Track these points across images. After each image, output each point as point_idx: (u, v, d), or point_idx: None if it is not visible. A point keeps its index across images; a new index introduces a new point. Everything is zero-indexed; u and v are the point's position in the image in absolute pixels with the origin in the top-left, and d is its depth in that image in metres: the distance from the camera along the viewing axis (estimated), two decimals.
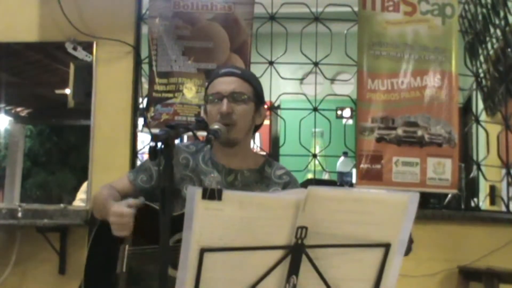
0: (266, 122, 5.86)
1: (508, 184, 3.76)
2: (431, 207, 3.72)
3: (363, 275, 1.32)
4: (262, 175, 1.94)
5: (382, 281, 1.32)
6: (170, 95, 3.56)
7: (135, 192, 1.95)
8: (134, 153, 3.67)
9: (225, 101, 1.85)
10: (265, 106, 2.02)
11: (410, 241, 1.40)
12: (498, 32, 4.05)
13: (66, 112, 3.79)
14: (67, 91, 3.76)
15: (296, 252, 1.25)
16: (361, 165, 3.49)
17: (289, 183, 1.95)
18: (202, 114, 1.98)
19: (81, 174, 3.66)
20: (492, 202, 4.29)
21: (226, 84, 1.88)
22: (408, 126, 3.50)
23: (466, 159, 4.00)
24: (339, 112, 4.51)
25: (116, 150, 3.63)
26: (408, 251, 1.36)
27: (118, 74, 3.69)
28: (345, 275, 1.31)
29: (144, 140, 3.96)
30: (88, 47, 3.69)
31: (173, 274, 1.24)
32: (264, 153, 4.23)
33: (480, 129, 3.83)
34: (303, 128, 3.78)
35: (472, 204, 4.00)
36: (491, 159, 3.81)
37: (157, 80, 3.57)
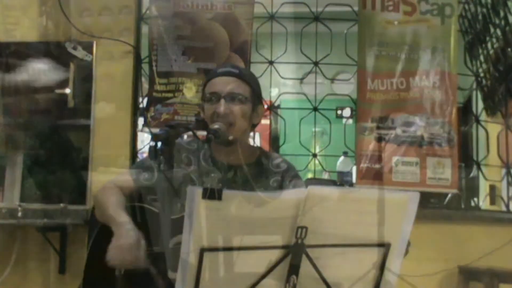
0: (266, 121, 5.88)
1: (508, 184, 3.75)
2: (431, 207, 3.71)
3: (363, 275, 1.32)
4: (261, 167, 1.96)
5: (382, 281, 1.32)
6: (170, 95, 3.56)
7: (137, 190, 1.95)
8: (134, 153, 3.67)
9: (222, 101, 1.85)
10: (263, 105, 2.02)
11: (407, 243, 1.40)
12: (498, 32, 4.04)
13: (66, 112, 3.78)
14: (67, 91, 3.75)
15: (296, 252, 1.25)
16: (361, 165, 3.49)
17: (287, 170, 1.97)
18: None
19: (81, 174, 3.65)
20: (492, 202, 4.28)
21: (223, 84, 1.88)
22: (407, 126, 3.50)
23: (466, 158, 3.99)
24: (339, 112, 4.51)
25: (116, 150, 3.63)
26: (405, 253, 1.36)
27: (118, 74, 3.69)
28: (345, 275, 1.31)
29: (144, 140, 3.96)
30: (88, 47, 3.69)
31: (173, 276, 1.23)
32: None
33: (480, 128, 3.83)
34: (303, 128, 3.77)
35: (472, 204, 4.00)
36: (491, 158, 3.80)
37: (157, 80, 3.57)
